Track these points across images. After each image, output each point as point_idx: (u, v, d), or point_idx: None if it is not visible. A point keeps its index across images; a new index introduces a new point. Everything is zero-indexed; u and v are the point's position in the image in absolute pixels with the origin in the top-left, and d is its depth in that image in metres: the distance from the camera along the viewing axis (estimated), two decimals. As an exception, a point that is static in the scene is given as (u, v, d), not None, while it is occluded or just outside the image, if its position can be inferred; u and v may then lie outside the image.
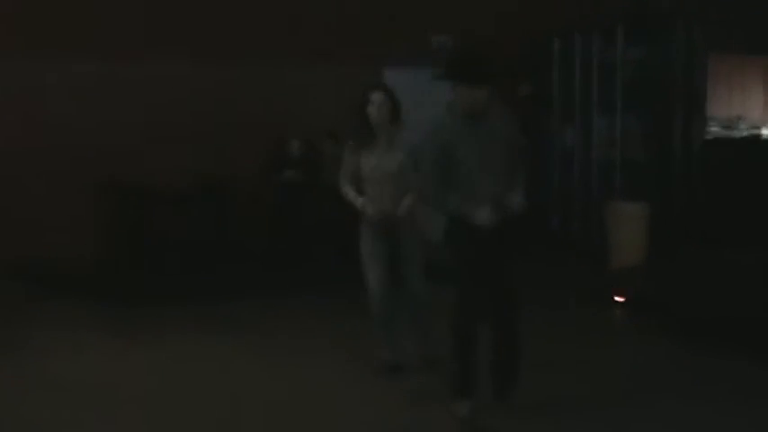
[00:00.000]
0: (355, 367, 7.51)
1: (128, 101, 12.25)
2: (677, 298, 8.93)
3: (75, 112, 12.04)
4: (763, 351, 7.70)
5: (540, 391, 6.73)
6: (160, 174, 11.85)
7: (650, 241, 10.98)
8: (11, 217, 11.66)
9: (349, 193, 7.15)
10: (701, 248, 9.57)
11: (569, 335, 8.75)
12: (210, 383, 7.23)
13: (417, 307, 7.21)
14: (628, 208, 11.41)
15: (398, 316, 7.26)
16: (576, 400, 6.70)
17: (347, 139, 7.31)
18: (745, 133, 13.83)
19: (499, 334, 6.29)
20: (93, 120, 12.08)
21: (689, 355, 7.91)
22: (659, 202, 11.40)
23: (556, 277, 11.23)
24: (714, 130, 13.41)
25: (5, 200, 11.68)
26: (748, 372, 7.40)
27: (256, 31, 12.65)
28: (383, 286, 7.07)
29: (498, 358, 6.33)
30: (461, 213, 5.95)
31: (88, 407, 6.71)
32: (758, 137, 13.61)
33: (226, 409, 6.61)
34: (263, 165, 12.10)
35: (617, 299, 9.77)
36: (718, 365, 7.57)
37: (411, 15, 13.32)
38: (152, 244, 11.81)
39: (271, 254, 12.02)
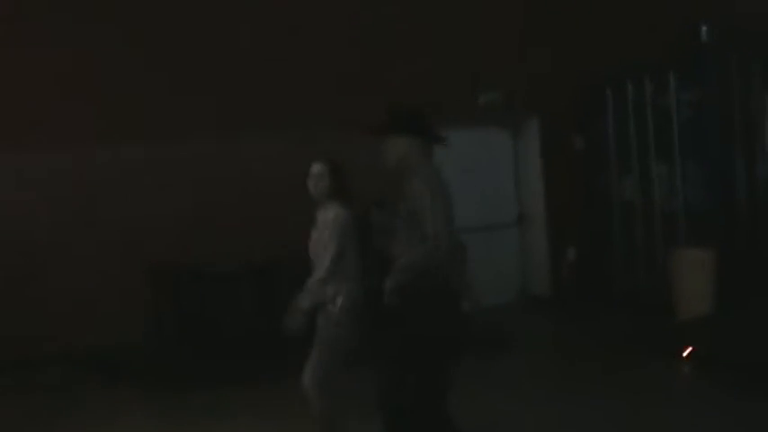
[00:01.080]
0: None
1: (175, 182, 12.11)
2: (748, 350, 8.42)
3: (122, 196, 11.96)
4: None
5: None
6: (209, 255, 11.60)
7: (718, 290, 10.48)
8: (62, 302, 11.57)
9: None
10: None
11: (636, 393, 8.29)
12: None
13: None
14: (693, 255, 10.93)
15: None
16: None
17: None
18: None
19: None
20: (141, 203, 11.97)
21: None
22: (726, 248, 10.89)
23: (620, 332, 10.83)
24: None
25: (56, 285, 11.60)
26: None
27: (294, 101, 12.37)
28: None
29: None
30: None
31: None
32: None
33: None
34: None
35: (685, 353, 9.28)
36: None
37: (457, 74, 13.07)
38: (202, 326, 11.58)
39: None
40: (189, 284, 11.68)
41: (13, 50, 11.53)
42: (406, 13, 12.97)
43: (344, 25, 12.73)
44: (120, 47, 11.92)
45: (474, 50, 13.22)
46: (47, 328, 11.36)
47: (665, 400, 8.02)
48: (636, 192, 12.89)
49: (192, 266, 11.57)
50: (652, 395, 8.22)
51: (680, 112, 12.00)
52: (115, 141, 11.81)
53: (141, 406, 9.37)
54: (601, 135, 13.41)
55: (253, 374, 10.26)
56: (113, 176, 12.03)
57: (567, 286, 13.52)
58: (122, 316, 11.60)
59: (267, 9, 12.44)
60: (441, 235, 5.44)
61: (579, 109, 13.67)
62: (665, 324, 10.62)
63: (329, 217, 6.55)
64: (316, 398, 6.49)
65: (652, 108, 12.47)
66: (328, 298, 6.47)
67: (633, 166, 12.90)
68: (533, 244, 14.19)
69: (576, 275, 13.38)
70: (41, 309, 11.49)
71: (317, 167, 6.69)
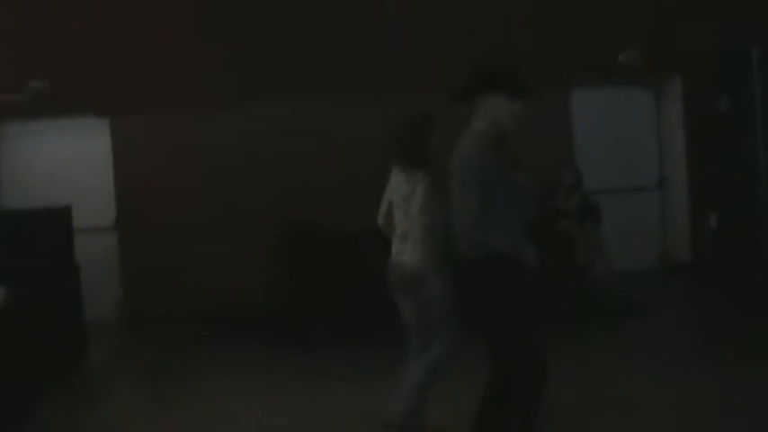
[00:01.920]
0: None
1: (309, 144, 12.23)
2: None
3: (250, 159, 12.15)
4: None
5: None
6: (338, 215, 11.67)
7: None
8: (195, 265, 11.89)
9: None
10: None
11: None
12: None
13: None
14: None
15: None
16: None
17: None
18: None
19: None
20: (270, 165, 12.14)
21: None
22: None
23: (763, 302, 10.43)
24: None
25: (190, 247, 11.92)
26: None
27: (438, 63, 12.24)
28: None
29: None
30: (511, 252, 5.16)
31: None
32: None
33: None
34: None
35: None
36: None
37: (597, 31, 12.75)
38: (332, 286, 11.66)
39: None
40: (318, 246, 11.77)
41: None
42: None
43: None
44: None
45: (616, 7, 12.88)
46: (181, 287, 11.71)
47: None
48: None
49: (322, 228, 11.65)
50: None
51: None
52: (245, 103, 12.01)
53: (267, 363, 9.42)
54: (747, 96, 12.92)
55: (384, 336, 10.30)
56: (245, 139, 12.22)
57: (708, 253, 13.13)
58: (254, 277, 11.85)
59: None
60: None
61: (724, 69, 13.17)
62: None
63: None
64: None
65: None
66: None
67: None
68: (674, 208, 13.82)
69: (719, 242, 12.97)
70: (177, 270, 11.84)
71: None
